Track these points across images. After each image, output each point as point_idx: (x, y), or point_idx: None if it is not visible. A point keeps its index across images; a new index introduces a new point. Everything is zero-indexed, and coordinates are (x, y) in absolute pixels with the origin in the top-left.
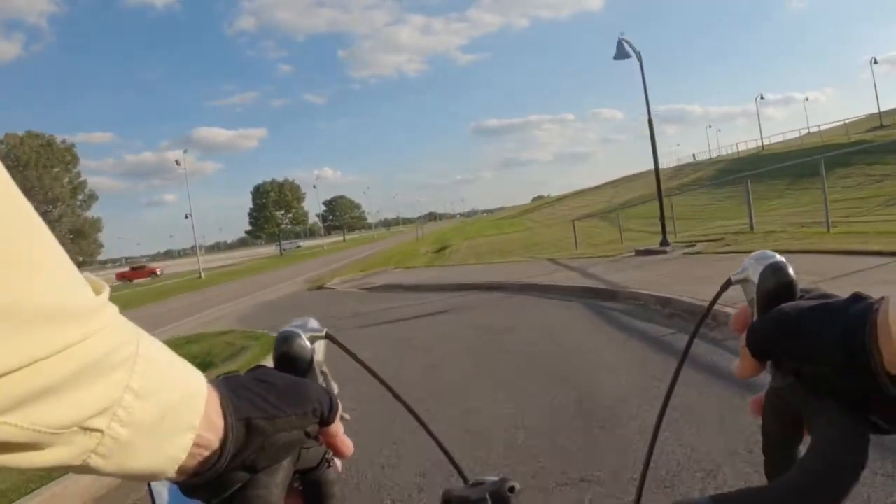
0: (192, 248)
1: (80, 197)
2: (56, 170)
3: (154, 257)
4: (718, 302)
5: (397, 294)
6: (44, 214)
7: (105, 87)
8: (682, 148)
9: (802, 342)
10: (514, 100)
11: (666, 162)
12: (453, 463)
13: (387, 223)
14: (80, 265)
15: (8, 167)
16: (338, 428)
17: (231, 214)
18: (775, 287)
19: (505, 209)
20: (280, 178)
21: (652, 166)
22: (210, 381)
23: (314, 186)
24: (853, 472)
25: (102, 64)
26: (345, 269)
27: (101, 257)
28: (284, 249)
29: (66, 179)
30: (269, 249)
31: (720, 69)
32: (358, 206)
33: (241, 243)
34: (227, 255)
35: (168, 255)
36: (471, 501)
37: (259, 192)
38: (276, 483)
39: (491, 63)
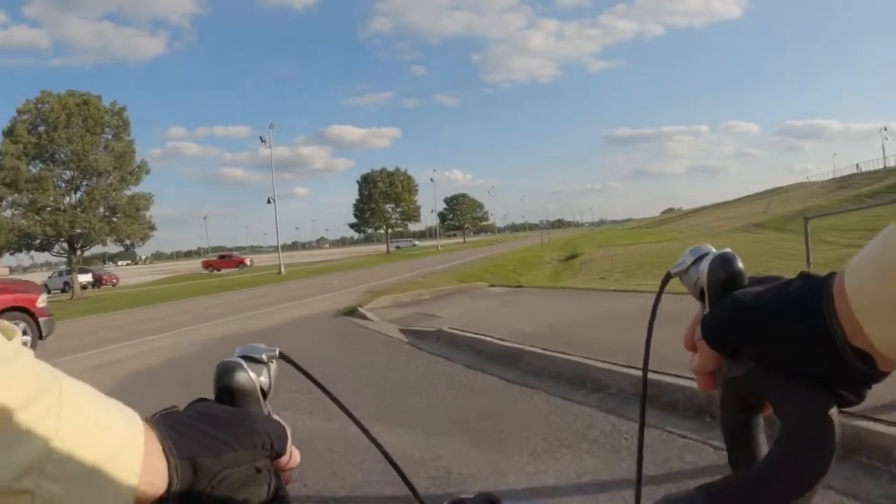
0: (319, 240)
1: (128, 169)
2: (106, 136)
3: (281, 248)
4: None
5: (460, 377)
6: (72, 184)
7: (243, 83)
8: (817, 164)
9: (763, 325)
10: (647, 109)
11: (817, 175)
12: (410, 487)
13: (513, 228)
14: (128, 248)
15: (29, 128)
16: (291, 460)
17: None
18: (725, 277)
19: (633, 220)
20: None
21: (799, 179)
22: (146, 419)
23: (431, 180)
24: (831, 446)
25: (241, 62)
26: (432, 277)
27: (230, 245)
28: (399, 247)
29: (109, 147)
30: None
31: (860, 84)
32: (481, 206)
33: (365, 239)
34: (343, 250)
35: (294, 246)
36: None
37: (366, 182)
38: None
39: (624, 71)
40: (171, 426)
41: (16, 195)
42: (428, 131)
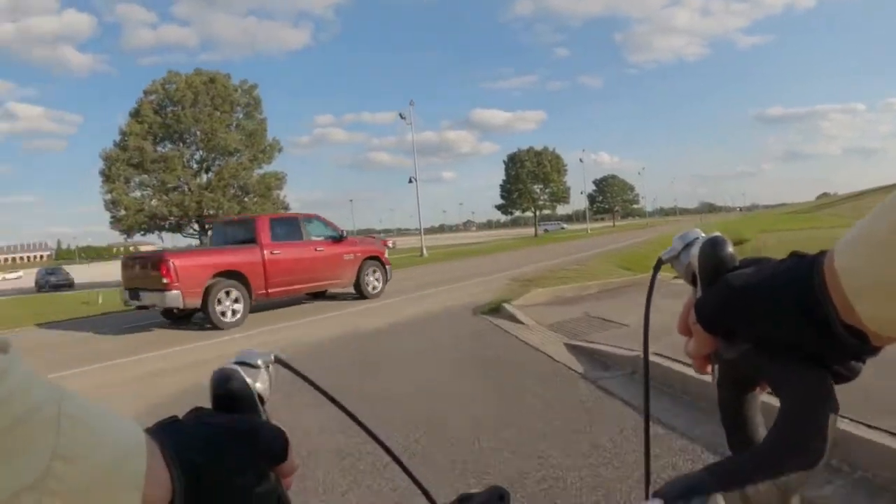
0: (465, 223)
1: (259, 147)
2: (237, 115)
3: (428, 230)
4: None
5: None
6: (202, 165)
7: (387, 71)
8: None
9: (755, 306)
10: (799, 86)
11: None
12: (420, 487)
13: (663, 212)
14: None
15: (155, 109)
16: (292, 466)
17: None
18: (717, 261)
19: (787, 205)
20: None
21: None
22: (146, 430)
23: (580, 160)
24: (830, 420)
25: (385, 49)
26: (590, 263)
27: (378, 227)
28: (547, 230)
29: (240, 125)
30: (533, 230)
31: None
32: (631, 188)
33: (512, 222)
34: (489, 232)
35: (440, 229)
36: None
37: (513, 162)
38: None
39: (774, 46)
40: (171, 436)
41: (143, 176)
42: (573, 113)
